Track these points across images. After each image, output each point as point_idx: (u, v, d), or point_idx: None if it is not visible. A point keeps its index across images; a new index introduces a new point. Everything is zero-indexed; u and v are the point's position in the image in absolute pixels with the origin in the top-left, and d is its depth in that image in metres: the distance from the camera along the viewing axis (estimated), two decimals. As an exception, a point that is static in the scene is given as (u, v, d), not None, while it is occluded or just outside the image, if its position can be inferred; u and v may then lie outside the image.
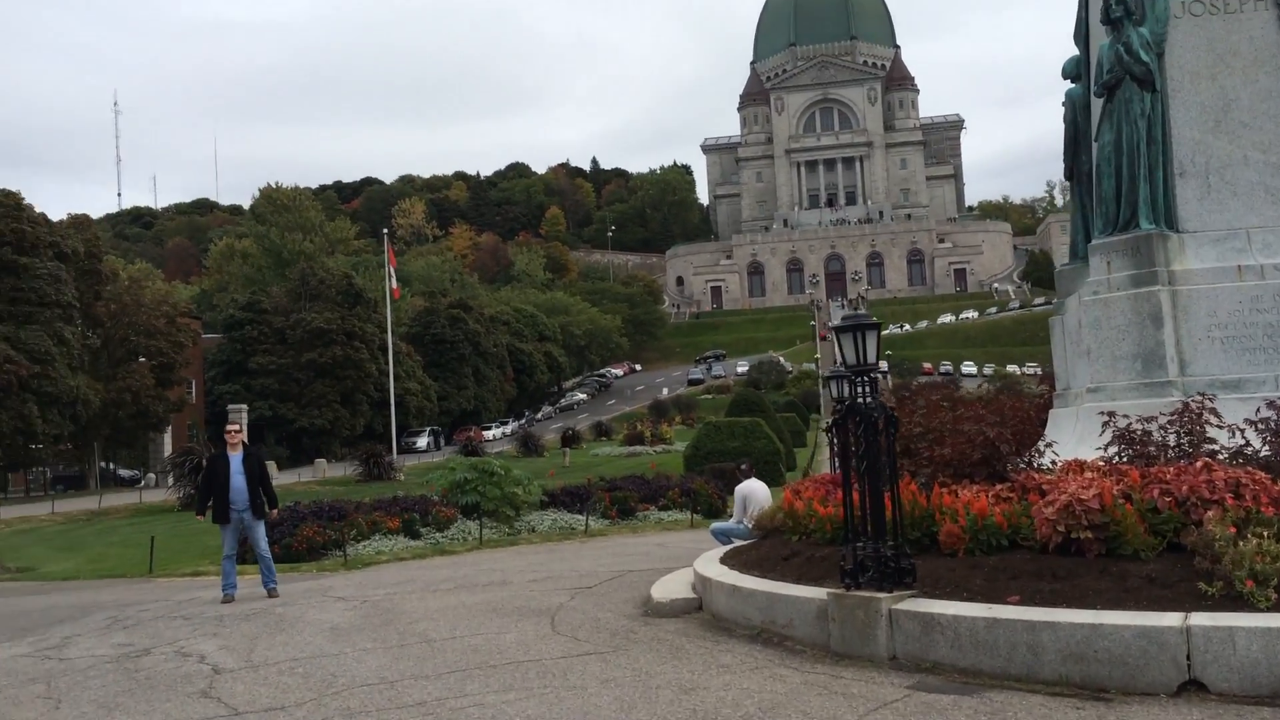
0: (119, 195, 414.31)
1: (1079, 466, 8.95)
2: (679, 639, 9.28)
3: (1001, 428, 9.33)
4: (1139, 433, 9.26)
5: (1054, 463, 9.64)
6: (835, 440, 14.27)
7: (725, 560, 11.22)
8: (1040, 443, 9.92)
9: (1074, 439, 10.77)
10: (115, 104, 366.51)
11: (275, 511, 14.51)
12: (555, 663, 8.58)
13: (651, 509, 22.72)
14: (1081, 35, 12.22)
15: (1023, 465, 9.54)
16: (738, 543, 13.69)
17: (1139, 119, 10.62)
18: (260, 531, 13.90)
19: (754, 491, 13.94)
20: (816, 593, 8.68)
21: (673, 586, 11.54)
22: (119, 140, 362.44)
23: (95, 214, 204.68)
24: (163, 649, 10.21)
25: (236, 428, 14.25)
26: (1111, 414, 9.41)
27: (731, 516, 14.30)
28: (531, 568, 15.48)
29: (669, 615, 10.50)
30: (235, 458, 13.79)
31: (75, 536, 28.31)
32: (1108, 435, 9.35)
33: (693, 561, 15.06)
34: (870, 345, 8.44)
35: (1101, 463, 9.07)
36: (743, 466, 14.25)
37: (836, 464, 15.80)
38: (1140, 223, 10.61)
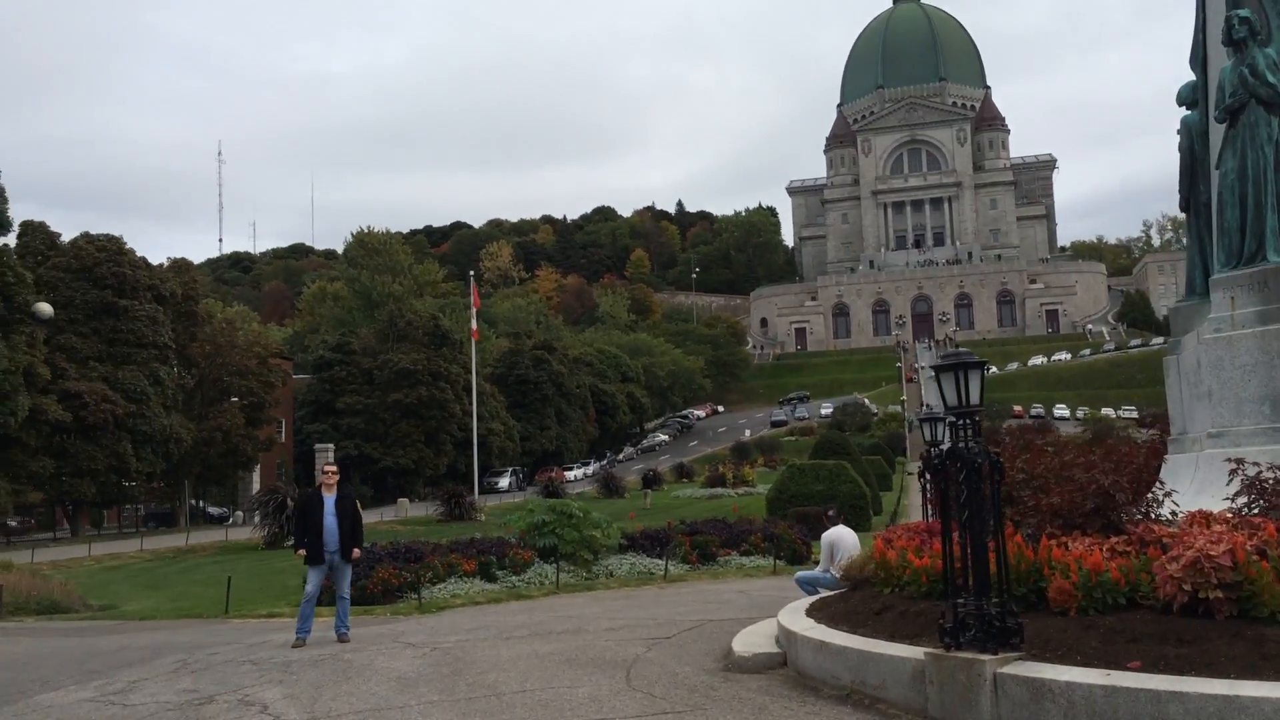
0: (220, 241, 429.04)
1: (1204, 519, 8.14)
2: (761, 698, 8.65)
3: (1117, 475, 8.56)
4: (1271, 482, 8.43)
5: (1174, 514, 8.83)
6: (929, 486, 13.46)
7: (812, 613, 10.55)
8: (1157, 491, 9.10)
9: (1194, 488, 9.92)
10: (220, 153, 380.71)
11: (358, 552, 14.25)
12: (629, 722, 8.02)
13: (733, 554, 22.01)
14: (1199, 59, 11.45)
15: (1139, 516, 8.75)
16: (824, 593, 12.99)
17: (1265, 144, 9.83)
18: (347, 574, 13.66)
19: (842, 539, 13.23)
20: (912, 652, 7.99)
21: (755, 639, 10.89)
22: (222, 188, 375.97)
23: (197, 259, 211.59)
24: (227, 696, 9.89)
25: (334, 468, 14.07)
26: (1239, 461, 8.59)
27: (818, 564, 13.58)
28: (608, 615, 14.93)
29: (751, 671, 9.87)
30: (330, 499, 13.59)
31: (159, 574, 28.60)
32: (1235, 484, 8.53)
33: (776, 611, 14.39)
34: (973, 385, 7.79)
35: (1230, 515, 8.25)
36: (830, 512, 13.55)
37: (928, 510, 15.00)
38: (1268, 255, 9.78)
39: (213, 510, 64.24)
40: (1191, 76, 11.75)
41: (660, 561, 21.15)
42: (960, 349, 7.99)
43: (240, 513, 60.31)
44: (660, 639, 12.22)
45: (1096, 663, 7.05)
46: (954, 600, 7.65)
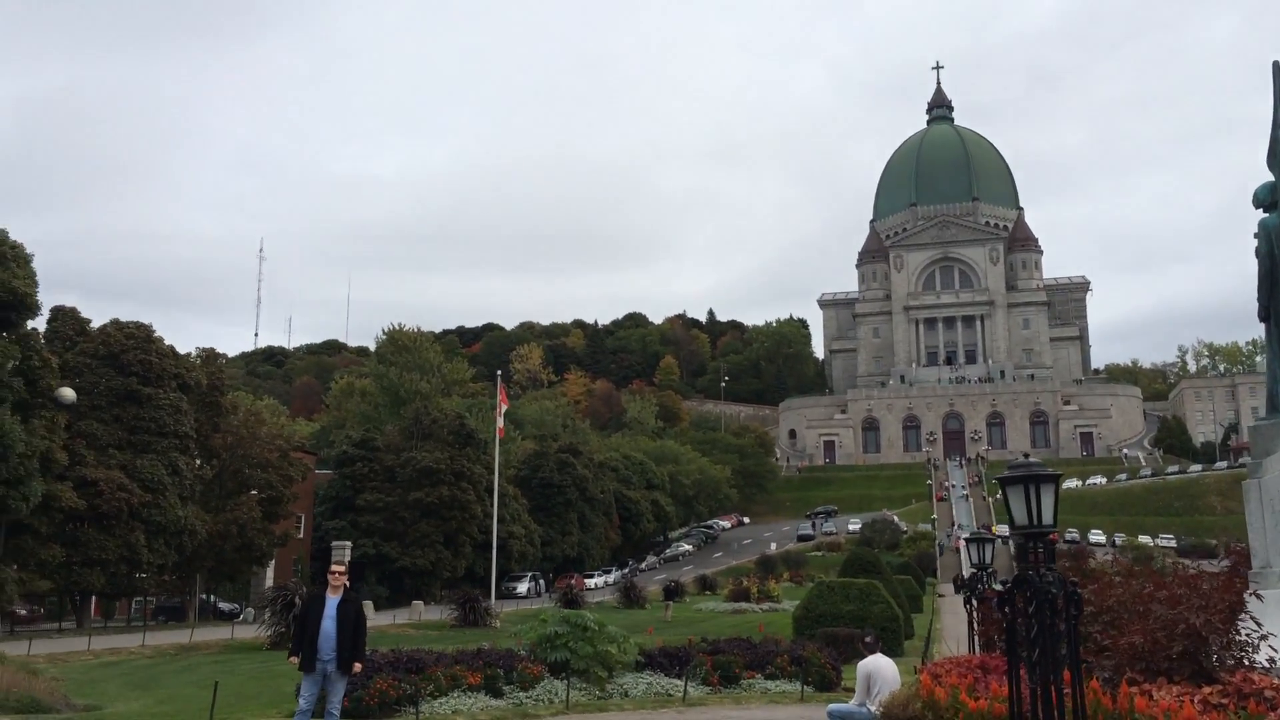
0: (255, 335, 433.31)
1: (1315, 669, 7.00)
2: None
3: (1208, 613, 7.42)
4: (1389, 628, 7.28)
5: (1272, 661, 7.68)
6: (977, 614, 12.19)
7: (848, 756, 9.35)
8: (1250, 634, 7.93)
9: (1288, 630, 8.72)
10: (261, 250, 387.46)
11: (359, 666, 13.13)
12: None
13: (757, 677, 20.57)
14: (1277, 159, 10.61)
15: (1231, 662, 7.60)
16: (862, 730, 11.74)
17: (1361, 242, 8.92)
18: (340, 688, 12.56)
19: (880, 670, 12.00)
20: (971, 817, 6.81)
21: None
22: (261, 283, 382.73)
23: (232, 352, 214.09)
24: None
25: (342, 568, 13.07)
26: (1348, 602, 7.46)
27: (853, 697, 12.32)
28: (620, 743, 13.66)
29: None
30: (333, 601, 12.59)
31: (155, 673, 27.32)
32: (1344, 628, 7.38)
33: (805, 747, 13.11)
34: (1046, 501, 6.76)
35: (1344, 665, 7.09)
36: (868, 639, 12.35)
37: (974, 641, 13.75)
38: (1368, 365, 8.77)
39: (224, 606, 62.79)
40: (1269, 177, 10.90)
41: (679, 682, 19.77)
42: (1030, 460, 6.96)
43: (251, 610, 58.85)
44: (676, 776, 10.97)
45: (1199, 844, 5.87)
46: (1022, 755, 6.50)
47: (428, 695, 17.00)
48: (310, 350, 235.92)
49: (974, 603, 12.86)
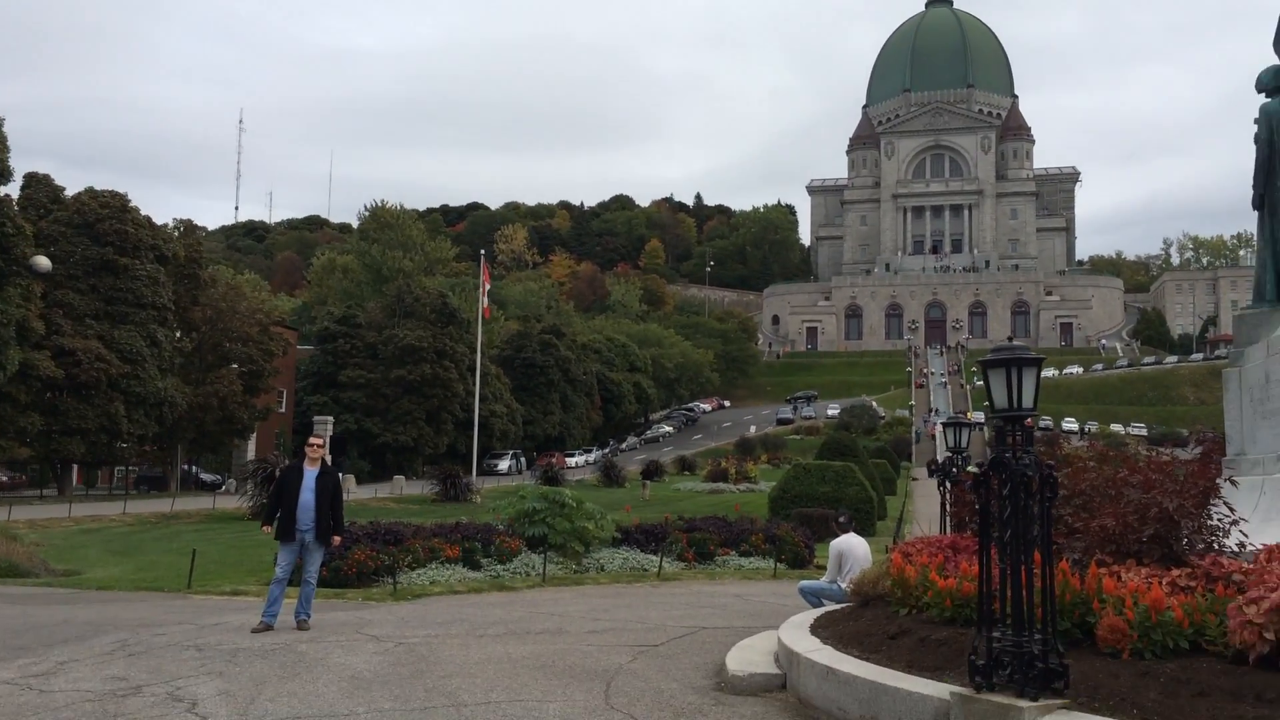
0: (236, 209, 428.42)
1: (1285, 553, 7.00)
2: (757, 729, 7.54)
3: (1181, 497, 7.40)
4: (1360, 514, 7.28)
5: (1242, 545, 7.70)
6: (951, 497, 12.23)
7: (817, 630, 9.42)
8: (1222, 519, 7.92)
9: (1259, 516, 8.78)
10: (241, 122, 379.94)
11: (339, 540, 13.16)
12: (601, 751, 6.92)
13: (732, 554, 20.87)
14: (1287, 40, 10.25)
15: (1201, 546, 7.61)
16: (830, 606, 11.88)
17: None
18: (318, 557, 12.62)
19: (853, 549, 12.11)
20: (935, 689, 6.86)
21: (752, 656, 9.77)
22: (241, 156, 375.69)
23: (212, 225, 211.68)
24: (156, 688, 8.82)
25: (320, 442, 12.95)
26: (1322, 488, 7.45)
27: (824, 575, 12.46)
28: (593, 614, 13.83)
29: (746, 693, 8.75)
30: (310, 473, 12.52)
31: (135, 540, 27.57)
32: (1317, 514, 7.38)
33: (775, 622, 13.28)
34: (1027, 385, 6.63)
35: (1313, 550, 7.10)
36: (841, 519, 12.43)
37: (947, 523, 13.89)
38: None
39: (206, 477, 63.26)
40: (1275, 60, 10.55)
41: (655, 558, 20.05)
42: (1014, 344, 6.81)
43: (233, 481, 59.39)
44: (647, 647, 11.11)
45: (1158, 720, 5.93)
46: (988, 633, 6.52)
47: (405, 566, 17.18)
48: (292, 225, 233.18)
49: (948, 485, 12.93)
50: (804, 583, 12.44)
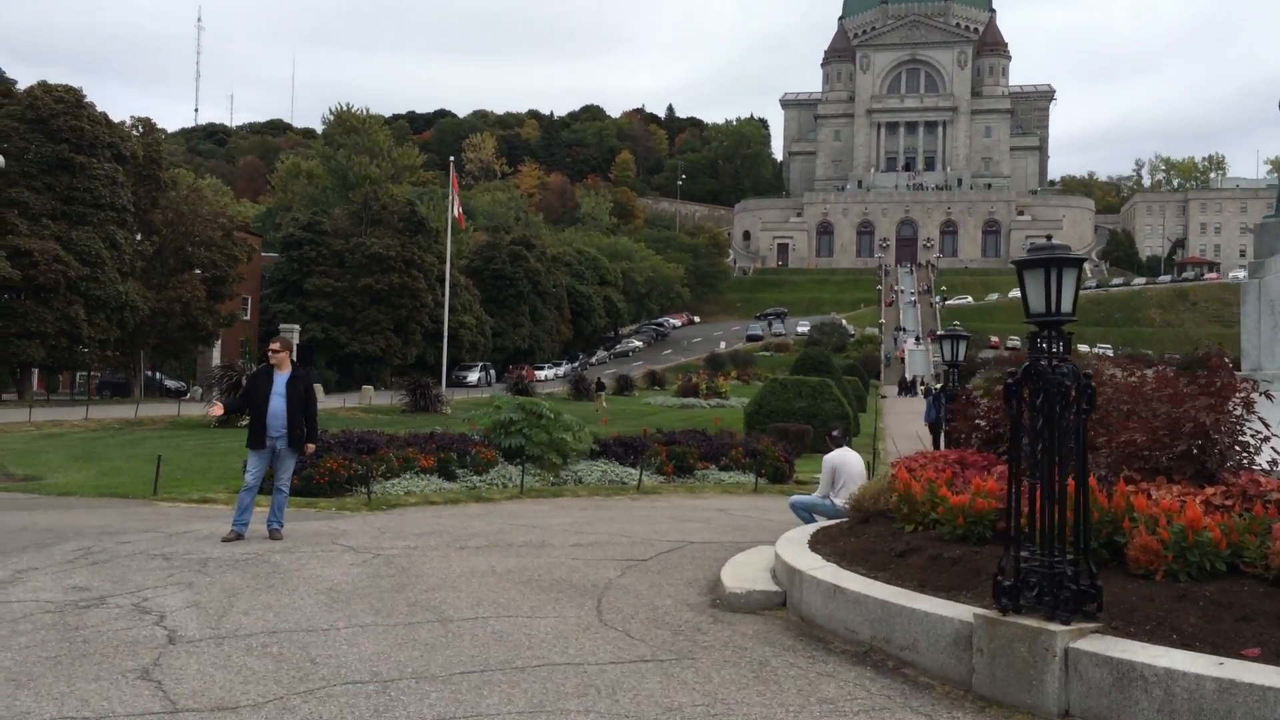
0: (195, 111, 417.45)
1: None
2: (761, 649, 7.16)
3: (1217, 412, 6.99)
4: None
5: (1274, 463, 7.35)
6: (946, 412, 11.82)
7: (817, 547, 9.05)
8: (1251, 433, 7.53)
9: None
10: (199, 19, 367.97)
11: (313, 447, 12.56)
12: (601, 671, 6.51)
13: (712, 468, 20.58)
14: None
15: (1230, 464, 7.25)
16: (823, 521, 11.55)
17: None
18: (290, 465, 12.06)
19: (847, 463, 11.73)
20: (955, 610, 6.49)
21: (747, 571, 9.40)
22: (200, 56, 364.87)
23: (171, 128, 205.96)
24: (121, 599, 8.32)
25: (277, 345, 12.21)
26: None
27: (815, 490, 12.10)
28: (576, 527, 13.46)
29: (744, 611, 8.39)
30: (280, 377, 11.85)
31: (97, 446, 26.90)
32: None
33: (761, 536, 12.97)
34: (1067, 288, 6.12)
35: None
36: (834, 432, 12.03)
37: (941, 441, 13.57)
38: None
39: (170, 384, 62.22)
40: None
41: (634, 471, 19.71)
42: (1053, 242, 6.28)
43: (198, 388, 58.51)
44: (635, 561, 10.74)
45: (1202, 645, 5.57)
46: (1016, 552, 6.13)
47: (379, 476, 16.72)
48: (254, 130, 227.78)
49: (943, 400, 12.55)
50: (795, 497, 12.09)
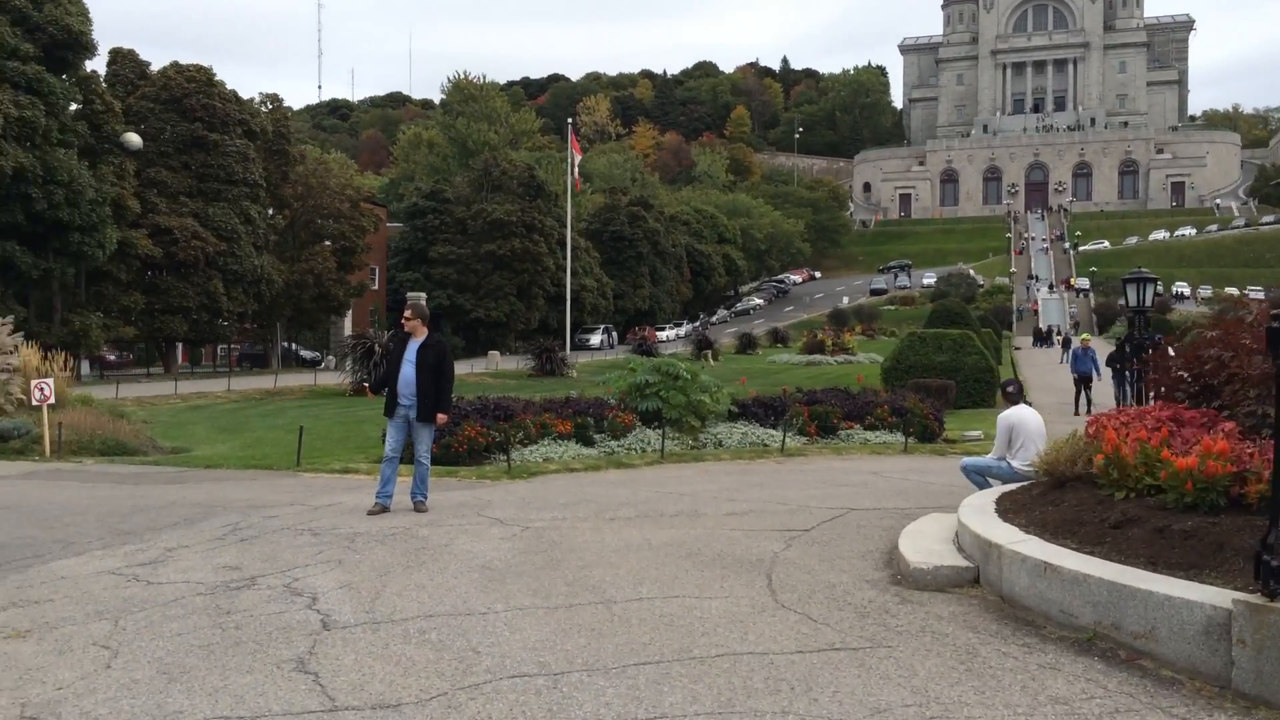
0: (319, 88, 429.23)
1: None
2: (965, 635, 6.38)
3: None
4: None
5: None
6: (1132, 367, 10.74)
7: (1009, 516, 8.17)
8: None
9: None
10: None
11: (445, 418, 12.11)
12: (790, 663, 5.84)
13: (856, 428, 19.64)
14: None
15: None
16: (1001, 486, 10.62)
17: None
18: (427, 436, 11.61)
19: (1024, 422, 10.75)
20: (1205, 594, 5.59)
21: (928, 544, 8.59)
22: (320, 34, 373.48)
23: (296, 106, 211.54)
24: (272, 579, 8.01)
25: (409, 313, 11.77)
26: None
27: (990, 451, 11.15)
28: (726, 494, 12.81)
29: (932, 588, 7.60)
30: (413, 344, 11.43)
31: (241, 417, 27.42)
32: None
33: (928, 503, 12.11)
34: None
35: None
36: (1009, 388, 11.04)
37: (1125, 397, 12.44)
38: None
39: (305, 354, 63.88)
40: None
41: (775, 432, 18.95)
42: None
43: (332, 358, 59.91)
44: (797, 531, 10.02)
45: None
46: (1283, 527, 5.20)
47: (517, 443, 16.35)
48: (375, 103, 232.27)
49: (1137, 353, 11.40)
50: (967, 459, 11.17)
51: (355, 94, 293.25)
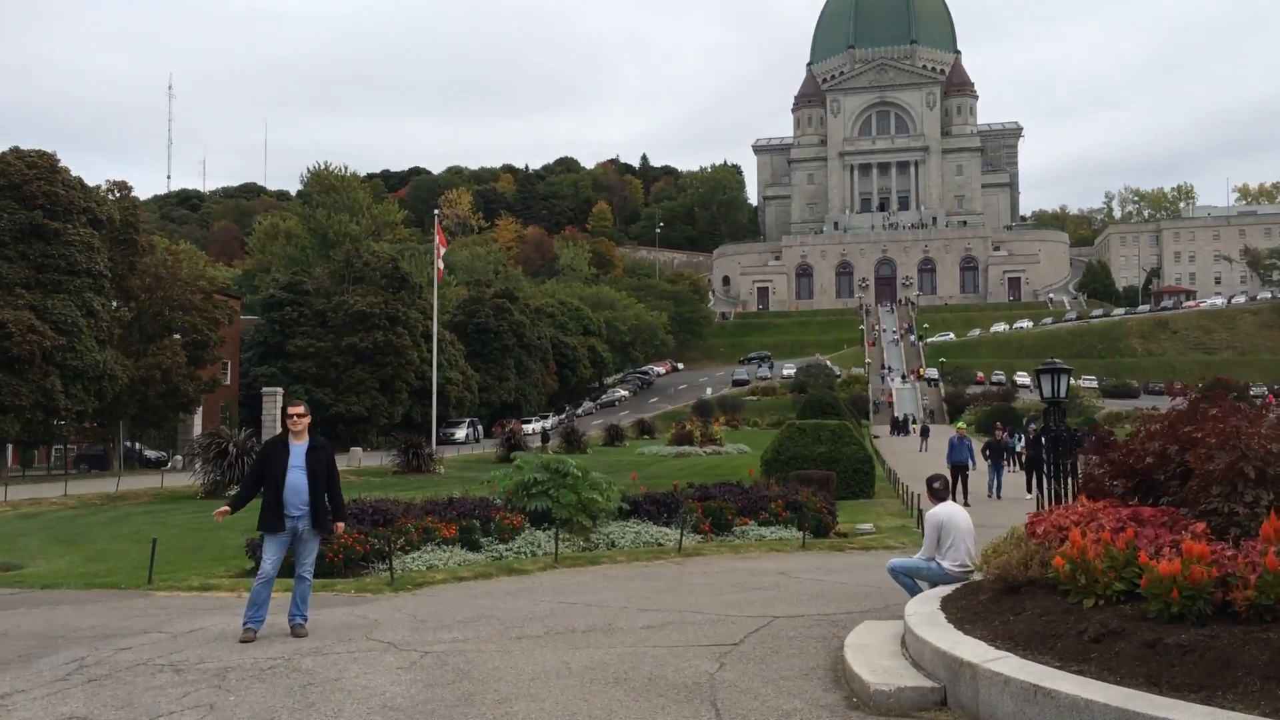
0: (168, 178, 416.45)
1: None
2: (955, 774, 5.65)
3: None
4: None
5: None
6: (1055, 459, 10.48)
7: (964, 626, 7.55)
8: None
9: None
10: (170, 88, 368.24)
11: (342, 525, 10.98)
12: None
13: (751, 524, 19.03)
14: None
15: None
16: (935, 589, 10.06)
17: None
18: (313, 548, 10.42)
19: (954, 520, 10.26)
20: (1232, 723, 5.02)
21: (878, 659, 7.88)
22: (171, 124, 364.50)
23: (144, 195, 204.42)
24: (130, 733, 6.72)
25: (302, 410, 10.60)
26: None
27: (916, 552, 10.60)
28: (635, 603, 11.90)
29: (895, 713, 6.87)
30: (299, 448, 10.27)
31: (80, 525, 25.06)
32: None
33: (845, 604, 11.46)
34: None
35: None
36: (935, 484, 10.56)
37: (1044, 486, 12.16)
38: None
39: (150, 454, 60.04)
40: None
41: (669, 530, 18.18)
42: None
43: (179, 458, 56.45)
44: (725, 646, 9.20)
45: None
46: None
47: (398, 550, 15.09)
48: (227, 194, 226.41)
49: (1054, 445, 11.12)
50: (894, 560, 10.60)
51: (207, 184, 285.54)
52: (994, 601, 8.00)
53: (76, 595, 13.39)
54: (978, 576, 9.92)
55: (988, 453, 29.65)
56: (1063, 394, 11.40)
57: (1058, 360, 11.73)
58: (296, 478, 10.16)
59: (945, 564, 10.13)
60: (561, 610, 11.38)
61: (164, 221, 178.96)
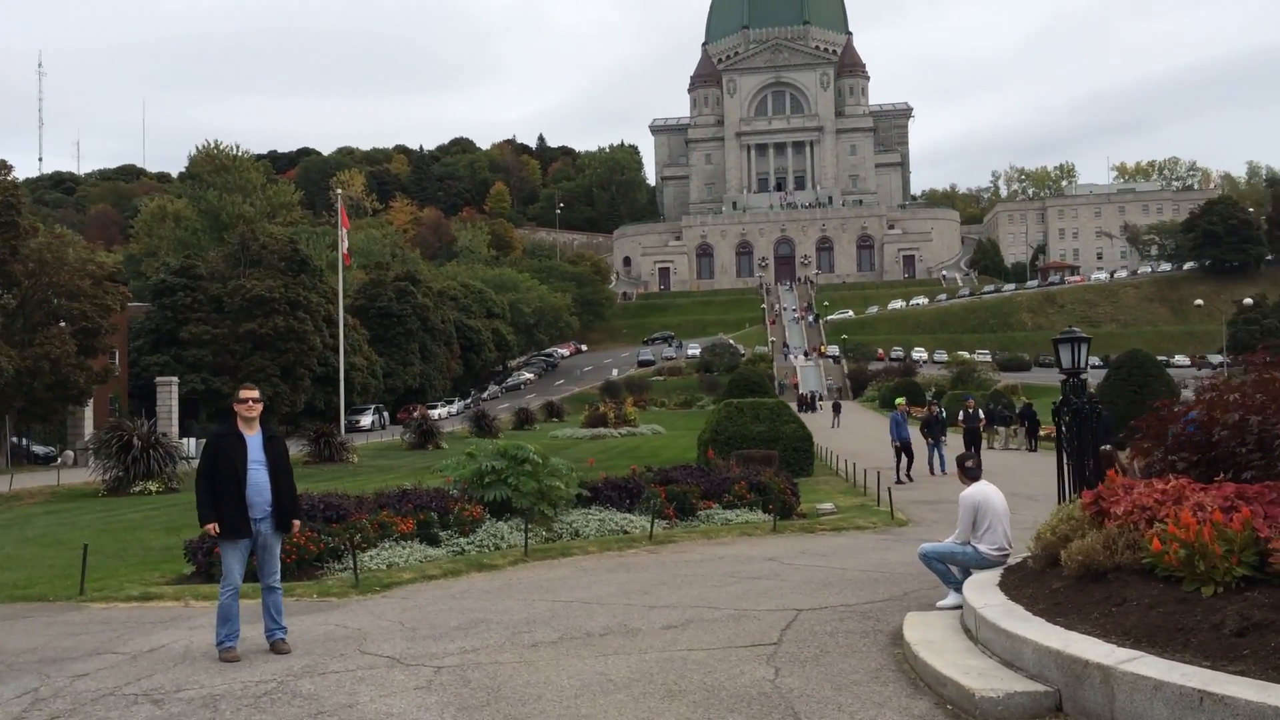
0: (40, 160, 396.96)
1: None
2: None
3: None
4: None
5: None
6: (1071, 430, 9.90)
7: (1055, 619, 6.89)
8: None
9: None
10: (40, 65, 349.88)
11: (299, 524, 9.73)
12: None
13: (715, 507, 18.30)
14: None
15: None
16: (958, 572, 9.43)
17: None
18: (276, 551, 9.21)
19: (990, 501, 9.63)
20: None
21: (960, 658, 7.18)
22: (42, 103, 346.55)
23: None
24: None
25: (256, 395, 9.24)
26: None
27: (954, 534, 9.96)
28: (635, 599, 11.03)
29: (1007, 720, 6.17)
30: (254, 440, 8.98)
31: (-21, 531, 23.04)
32: None
33: (856, 591, 10.82)
34: None
35: None
36: (968, 463, 9.93)
37: (1064, 464, 11.66)
38: None
39: (38, 449, 56.62)
40: None
41: (633, 517, 17.36)
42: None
43: (71, 453, 53.40)
44: (767, 647, 8.41)
45: None
46: None
47: (355, 548, 13.92)
48: (105, 176, 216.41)
49: (1075, 420, 10.58)
50: (926, 545, 9.93)
51: (81, 166, 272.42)
52: (1077, 590, 7.36)
53: (4, 609, 11.90)
54: (1013, 560, 9.36)
55: (925, 430, 29.52)
56: (1083, 364, 10.90)
57: (1077, 329, 11.22)
58: (258, 475, 8.96)
59: (983, 548, 9.52)
60: (562, 610, 10.45)
61: (37, 205, 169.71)
